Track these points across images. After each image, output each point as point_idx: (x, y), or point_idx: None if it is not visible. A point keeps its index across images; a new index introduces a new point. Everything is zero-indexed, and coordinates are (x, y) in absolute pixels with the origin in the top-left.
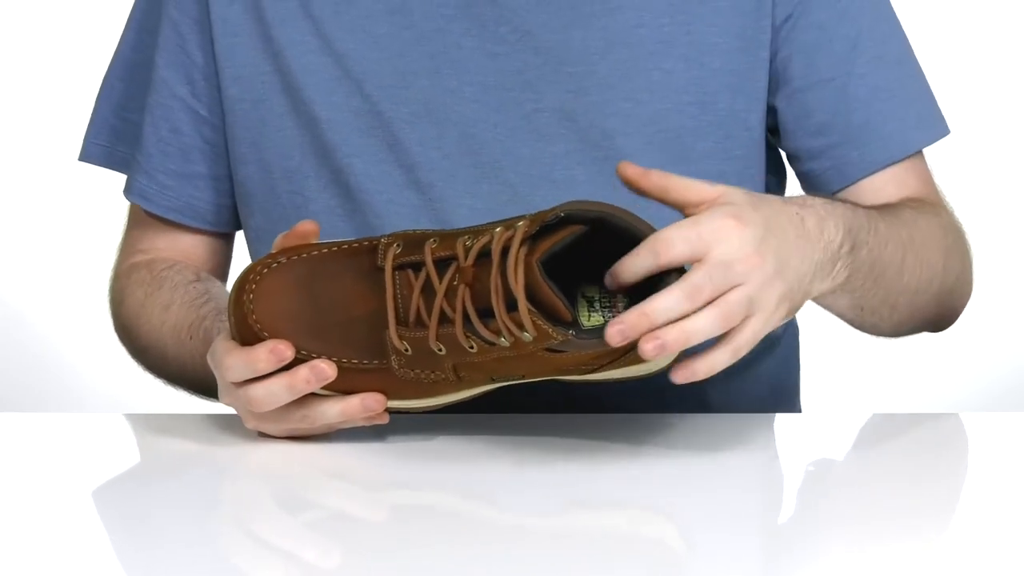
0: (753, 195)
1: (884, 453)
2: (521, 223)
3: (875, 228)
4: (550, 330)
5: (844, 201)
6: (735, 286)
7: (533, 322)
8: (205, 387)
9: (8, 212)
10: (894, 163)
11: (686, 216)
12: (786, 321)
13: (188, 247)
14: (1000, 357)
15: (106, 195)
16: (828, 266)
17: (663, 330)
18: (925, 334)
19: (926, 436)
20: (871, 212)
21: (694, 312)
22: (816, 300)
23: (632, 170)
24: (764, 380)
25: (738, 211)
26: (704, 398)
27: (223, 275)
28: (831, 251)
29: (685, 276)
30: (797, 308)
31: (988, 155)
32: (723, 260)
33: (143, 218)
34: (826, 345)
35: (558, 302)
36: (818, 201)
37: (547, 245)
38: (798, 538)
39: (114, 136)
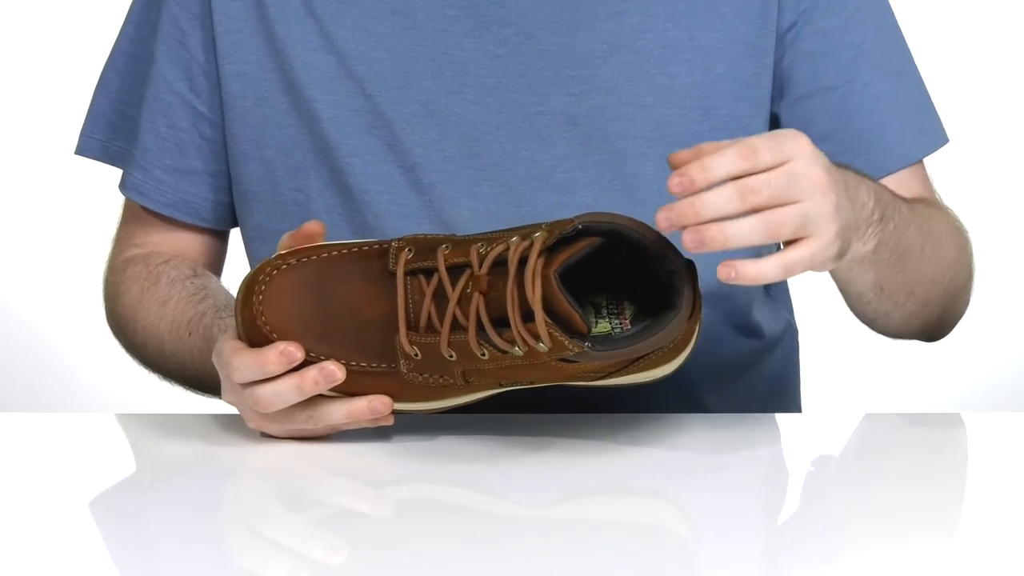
0: None
1: (885, 452)
2: (538, 234)
3: (899, 208)
4: (566, 342)
5: (870, 176)
6: (794, 202)
7: (550, 334)
8: (203, 383)
9: (7, 211)
10: (897, 171)
11: None
12: (835, 265)
13: (183, 244)
14: (1001, 358)
15: (106, 194)
16: (863, 227)
17: (704, 226)
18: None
19: (926, 436)
20: (895, 195)
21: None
22: (841, 275)
23: (682, 156)
24: (763, 383)
25: (807, 138)
26: (701, 399)
27: (217, 273)
28: (865, 214)
29: (743, 179)
30: (843, 255)
31: (989, 157)
32: (792, 171)
33: (138, 212)
34: (826, 346)
35: (574, 314)
36: (850, 169)
37: (564, 257)
38: (798, 535)
39: (111, 130)
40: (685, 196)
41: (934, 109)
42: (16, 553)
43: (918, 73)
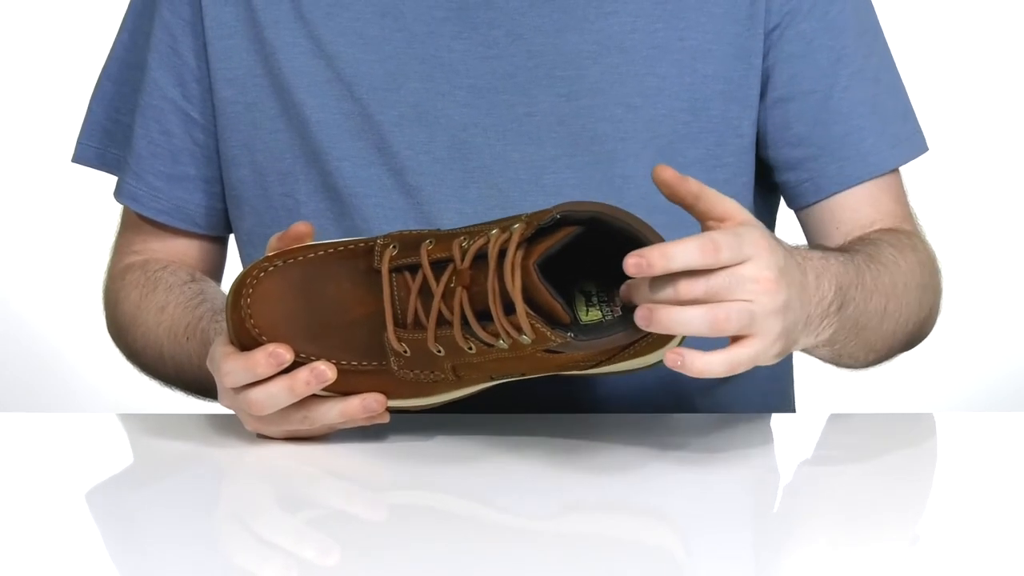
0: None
1: (880, 452)
2: (517, 226)
3: (862, 283)
4: (548, 333)
5: (836, 253)
6: (741, 300)
7: (531, 325)
8: (202, 387)
9: (8, 213)
10: (871, 179)
11: (704, 228)
12: (775, 363)
13: (181, 250)
14: (992, 360)
15: (106, 196)
16: (816, 322)
17: (655, 305)
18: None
19: (924, 436)
20: (859, 264)
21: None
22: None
23: (670, 173)
24: (756, 384)
25: (768, 236)
26: (693, 401)
27: (217, 279)
28: (822, 308)
29: (709, 273)
30: (785, 353)
31: (978, 160)
32: (739, 273)
33: (135, 220)
34: None
35: (556, 305)
36: (815, 254)
37: (543, 247)
38: (791, 535)
39: (106, 138)
40: (639, 276)
41: (914, 118)
42: (15, 552)
43: (899, 80)
